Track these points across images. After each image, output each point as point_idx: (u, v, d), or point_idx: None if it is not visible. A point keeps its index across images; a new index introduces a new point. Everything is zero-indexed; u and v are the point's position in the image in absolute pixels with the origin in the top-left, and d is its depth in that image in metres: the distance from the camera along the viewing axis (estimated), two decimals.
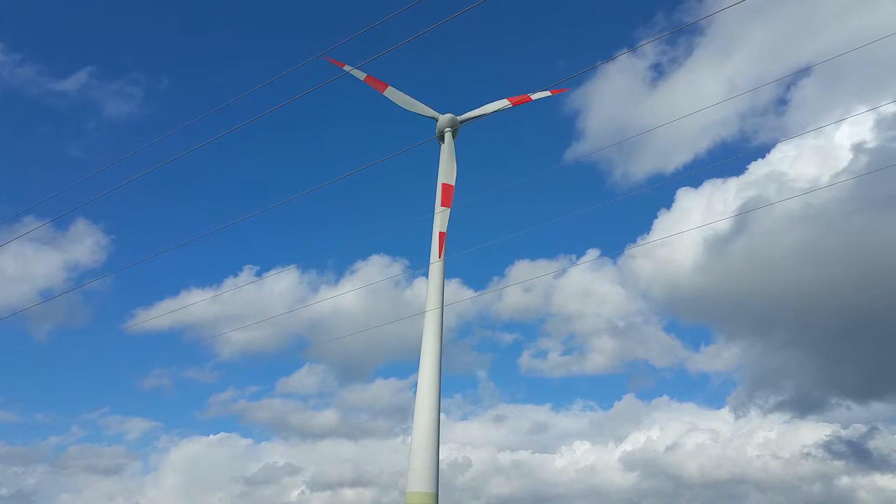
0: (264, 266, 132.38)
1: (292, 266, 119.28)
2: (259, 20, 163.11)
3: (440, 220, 45.69)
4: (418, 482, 38.34)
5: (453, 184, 47.12)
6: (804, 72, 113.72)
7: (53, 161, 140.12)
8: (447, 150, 48.25)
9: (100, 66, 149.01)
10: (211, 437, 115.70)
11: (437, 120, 49.15)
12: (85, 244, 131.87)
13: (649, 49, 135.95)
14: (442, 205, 46.27)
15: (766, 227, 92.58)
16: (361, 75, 49.59)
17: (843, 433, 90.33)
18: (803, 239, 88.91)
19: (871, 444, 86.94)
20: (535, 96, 52.53)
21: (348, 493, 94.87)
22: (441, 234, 45.25)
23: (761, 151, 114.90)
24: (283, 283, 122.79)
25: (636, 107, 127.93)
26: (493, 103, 50.67)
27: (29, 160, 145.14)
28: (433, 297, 43.35)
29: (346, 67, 47.93)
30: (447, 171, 47.47)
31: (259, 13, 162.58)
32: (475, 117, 50.09)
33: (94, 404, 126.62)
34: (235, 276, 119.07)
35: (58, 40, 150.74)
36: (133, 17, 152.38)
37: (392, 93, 49.71)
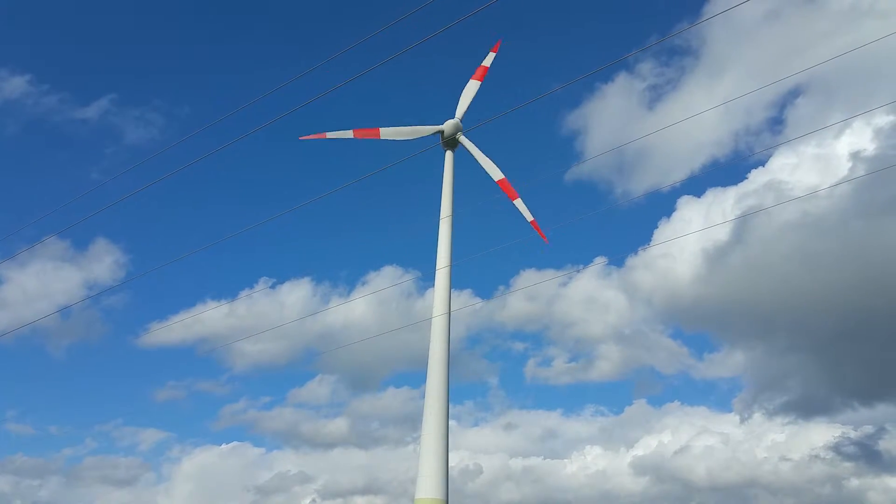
0: (280, 278, 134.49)
1: (306, 278, 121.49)
2: (273, 32, 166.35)
3: (522, 211, 48.05)
4: (427, 488, 38.65)
5: (504, 176, 48.79)
6: (797, 91, 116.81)
7: (74, 184, 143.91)
8: (474, 151, 49.49)
9: (122, 94, 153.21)
10: (223, 446, 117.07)
11: (442, 132, 49.81)
12: (104, 263, 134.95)
13: (646, 72, 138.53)
14: (512, 199, 48.22)
15: (766, 234, 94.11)
16: (349, 134, 48.68)
17: (853, 435, 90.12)
18: (802, 245, 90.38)
19: (881, 446, 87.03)
20: (486, 62, 55.10)
21: (359, 500, 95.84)
22: (533, 222, 47.82)
23: (762, 160, 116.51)
24: (296, 295, 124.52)
25: (634, 128, 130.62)
26: (466, 88, 52.68)
27: (51, 184, 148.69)
28: (440, 303, 44.48)
29: (329, 135, 47.53)
30: (491, 168, 49.00)
31: (273, 27, 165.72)
32: (466, 110, 51.38)
33: (108, 416, 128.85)
34: (251, 288, 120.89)
35: (82, 68, 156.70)
36: (157, 47, 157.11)
37: (388, 133, 49.27)
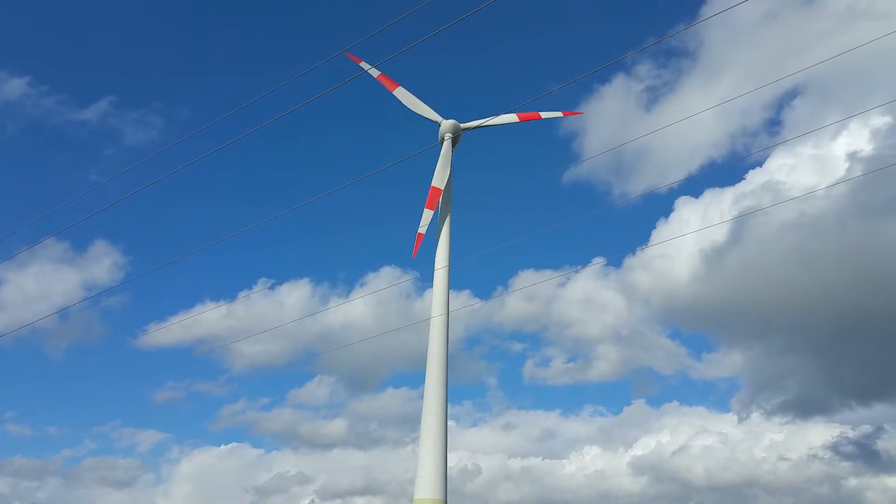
0: (279, 279, 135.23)
1: (305, 279, 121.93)
2: (273, 33, 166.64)
3: (422, 220, 45.49)
4: (426, 488, 38.69)
5: (442, 188, 47.38)
6: (794, 92, 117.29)
7: (74, 186, 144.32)
8: (443, 155, 48.64)
9: (121, 96, 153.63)
10: (222, 447, 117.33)
11: (439, 125, 49.52)
12: (103, 265, 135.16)
13: (644, 73, 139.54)
14: (426, 206, 46.13)
15: (764, 235, 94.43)
16: (375, 73, 50.82)
17: (851, 434, 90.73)
18: (799, 246, 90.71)
19: (880, 445, 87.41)
20: (545, 115, 52.25)
21: (358, 501, 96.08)
22: (419, 234, 44.86)
23: (759, 161, 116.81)
24: (295, 296, 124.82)
25: (632, 129, 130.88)
26: (501, 116, 50.30)
27: (50, 185, 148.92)
28: (438, 303, 44.24)
29: (363, 64, 49.60)
30: (439, 175, 47.69)
31: (273, 28, 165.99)
32: (478, 126, 50.26)
33: (107, 418, 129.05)
34: (250, 289, 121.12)
35: (81, 71, 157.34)
36: (156, 49, 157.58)
37: (402, 93, 50.57)
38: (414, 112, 50.76)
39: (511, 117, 50.78)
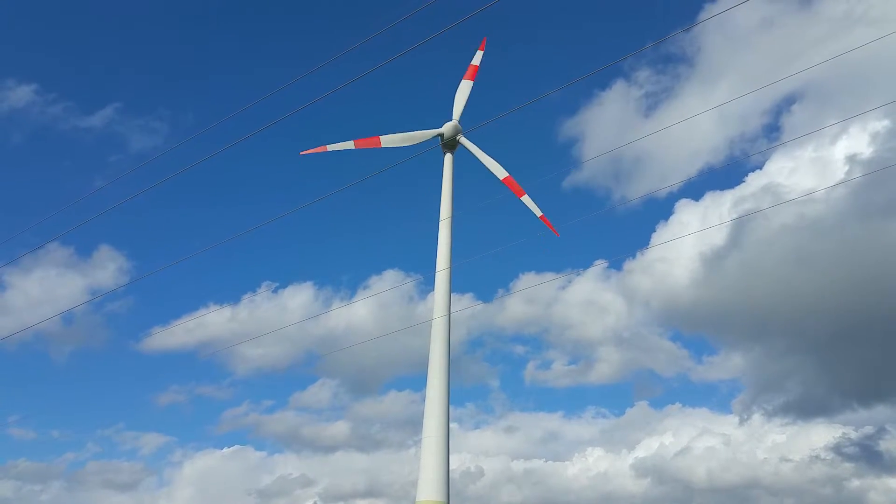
0: (282, 282, 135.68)
1: (308, 282, 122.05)
2: (276, 36, 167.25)
3: (530, 206, 48.52)
4: (429, 491, 38.89)
5: (508, 174, 49.13)
6: (792, 98, 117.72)
7: (79, 193, 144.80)
8: (478, 152, 49.56)
9: (127, 103, 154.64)
10: (225, 450, 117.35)
11: (442, 135, 49.78)
12: (108, 270, 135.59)
13: (643, 79, 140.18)
14: (519, 196, 48.59)
15: (763, 237, 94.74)
16: (350, 145, 49.05)
17: (853, 436, 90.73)
18: (799, 248, 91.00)
19: (882, 446, 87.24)
20: (475, 61, 54.93)
21: None
22: (542, 216, 48.31)
23: (759, 163, 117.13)
24: (298, 299, 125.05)
25: (631, 135, 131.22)
26: (459, 89, 52.55)
27: (56, 192, 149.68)
28: (440, 305, 44.57)
29: (329, 147, 48.00)
30: (496, 168, 49.31)
31: (276, 31, 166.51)
32: (462, 110, 51.32)
33: (110, 421, 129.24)
34: (253, 292, 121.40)
35: (87, 78, 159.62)
36: (162, 56, 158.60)
37: (388, 140, 49.20)
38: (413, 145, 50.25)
39: (466, 85, 52.98)
